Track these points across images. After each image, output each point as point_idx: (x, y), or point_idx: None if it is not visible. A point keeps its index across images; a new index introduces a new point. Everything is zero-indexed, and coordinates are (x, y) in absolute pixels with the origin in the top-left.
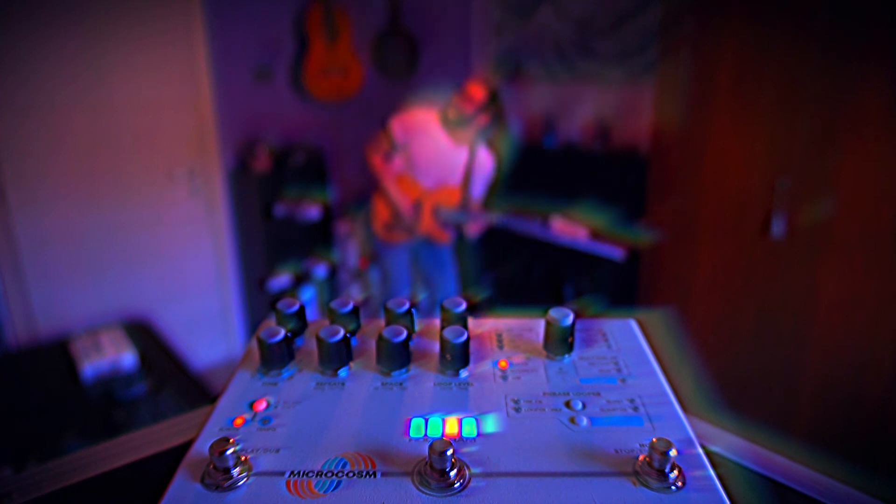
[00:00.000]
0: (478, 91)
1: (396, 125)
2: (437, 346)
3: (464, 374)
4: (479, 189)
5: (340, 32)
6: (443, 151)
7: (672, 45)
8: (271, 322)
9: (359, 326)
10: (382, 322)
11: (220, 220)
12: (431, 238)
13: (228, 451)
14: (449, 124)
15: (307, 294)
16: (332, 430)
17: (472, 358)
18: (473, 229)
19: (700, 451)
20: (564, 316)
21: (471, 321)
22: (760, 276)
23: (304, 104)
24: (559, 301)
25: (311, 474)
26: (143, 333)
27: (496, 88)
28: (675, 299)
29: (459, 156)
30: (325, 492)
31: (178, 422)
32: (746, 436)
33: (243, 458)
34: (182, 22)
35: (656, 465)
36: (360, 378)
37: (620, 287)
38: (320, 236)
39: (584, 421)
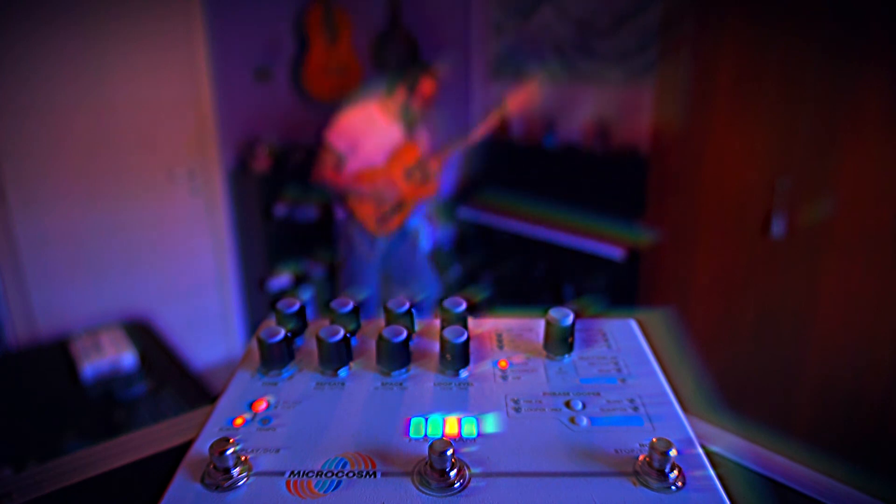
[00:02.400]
0: (430, 87)
1: (336, 138)
2: (437, 346)
3: (464, 374)
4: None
5: (340, 32)
6: (394, 136)
7: (672, 45)
8: (271, 322)
9: (359, 326)
10: (382, 322)
11: (220, 220)
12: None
13: (228, 451)
14: (408, 119)
15: (307, 294)
16: (332, 430)
17: (472, 358)
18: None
19: (700, 451)
20: (564, 316)
21: (471, 321)
22: (760, 276)
23: (304, 104)
24: (559, 301)
25: (311, 474)
26: (143, 333)
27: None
28: (675, 299)
29: (399, 132)
30: (325, 492)
31: (178, 422)
32: (746, 436)
33: (243, 458)
34: (182, 22)
35: (656, 465)
36: (360, 378)
37: (620, 287)
38: (320, 236)
39: (584, 421)
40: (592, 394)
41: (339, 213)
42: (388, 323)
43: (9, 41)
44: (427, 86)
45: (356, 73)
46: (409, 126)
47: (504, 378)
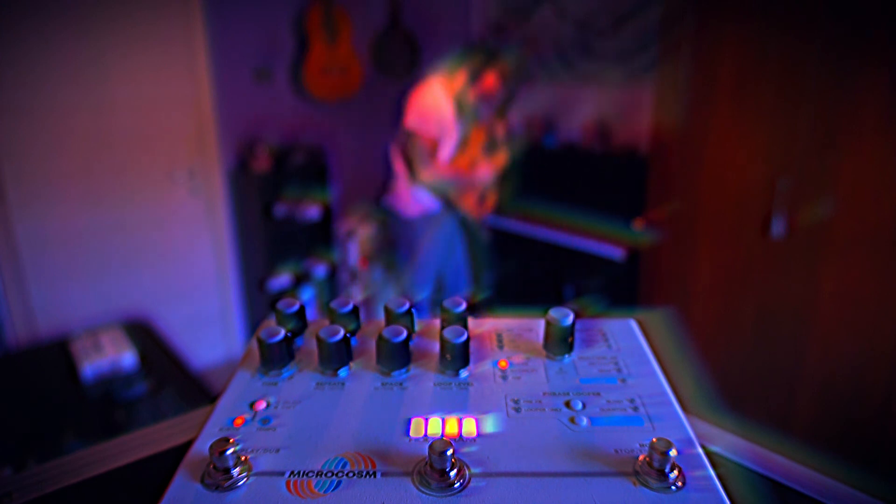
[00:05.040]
0: (492, 83)
1: (423, 123)
2: (437, 346)
3: (464, 374)
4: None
5: (340, 32)
6: (451, 118)
7: (672, 45)
8: (271, 322)
9: (359, 326)
10: (382, 322)
11: (220, 220)
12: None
13: (228, 451)
14: (460, 107)
15: (307, 294)
16: (332, 430)
17: (472, 358)
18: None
19: (700, 451)
20: (564, 316)
21: (471, 321)
22: (760, 276)
23: (304, 104)
24: (559, 301)
25: (311, 474)
26: (143, 333)
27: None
28: (675, 299)
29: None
30: (325, 492)
31: (178, 422)
32: (746, 436)
33: (243, 458)
34: (182, 22)
35: (656, 465)
36: (360, 378)
37: (620, 287)
38: (320, 236)
39: (584, 421)
40: (592, 394)
41: (413, 208)
42: (388, 323)
43: (9, 41)
44: (489, 80)
45: (356, 73)
46: (461, 113)
47: (504, 378)
